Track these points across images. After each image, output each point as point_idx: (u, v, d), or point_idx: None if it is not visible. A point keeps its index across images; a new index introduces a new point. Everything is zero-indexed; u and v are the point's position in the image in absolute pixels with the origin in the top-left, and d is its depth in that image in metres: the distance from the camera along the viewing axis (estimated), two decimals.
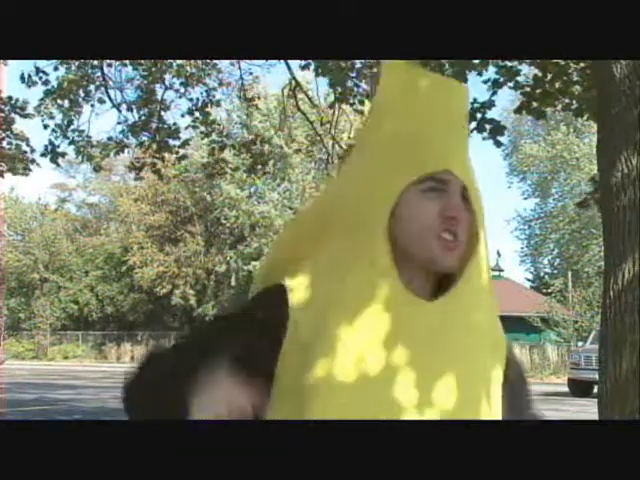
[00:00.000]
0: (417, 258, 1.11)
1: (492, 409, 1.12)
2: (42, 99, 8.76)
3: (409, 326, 1.08)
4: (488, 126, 6.37)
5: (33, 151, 9.15)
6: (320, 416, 1.03)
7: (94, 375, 22.93)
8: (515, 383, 1.19)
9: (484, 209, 1.15)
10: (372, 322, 1.07)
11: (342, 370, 1.04)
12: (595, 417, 3.64)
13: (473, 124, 6.39)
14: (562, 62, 5.83)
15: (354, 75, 7.96)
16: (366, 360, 1.05)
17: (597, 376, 3.54)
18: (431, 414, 1.06)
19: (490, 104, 6.38)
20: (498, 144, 6.53)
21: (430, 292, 1.13)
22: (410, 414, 1.05)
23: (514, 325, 28.33)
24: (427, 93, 1.15)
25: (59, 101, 8.78)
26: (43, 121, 8.91)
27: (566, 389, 17.90)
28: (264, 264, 1.27)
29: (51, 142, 8.90)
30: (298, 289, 1.11)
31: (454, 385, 1.08)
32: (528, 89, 6.27)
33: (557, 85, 6.07)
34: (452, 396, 1.07)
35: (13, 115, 8.78)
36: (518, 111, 6.58)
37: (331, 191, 1.24)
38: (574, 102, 6.34)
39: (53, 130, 8.93)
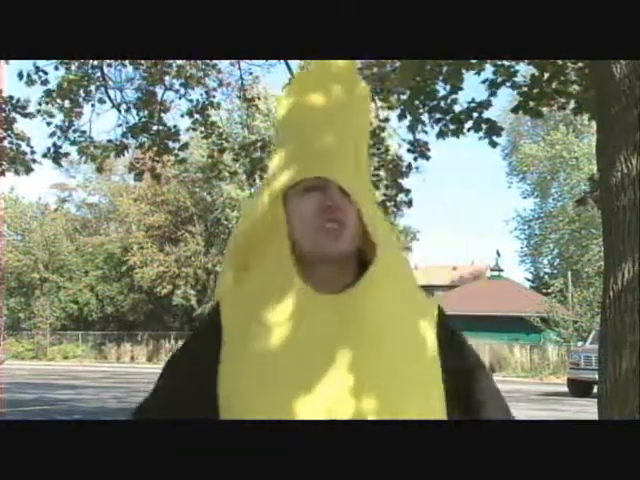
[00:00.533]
0: (309, 253, 1.17)
1: (425, 385, 1.13)
2: (43, 98, 8.73)
3: (308, 322, 1.13)
4: (484, 126, 6.36)
5: (34, 152, 9.14)
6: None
7: (94, 375, 22.93)
8: (451, 342, 1.21)
9: (374, 207, 1.22)
10: (277, 324, 1.13)
11: (247, 377, 1.11)
12: (595, 417, 3.64)
13: (469, 123, 6.38)
14: (560, 62, 5.82)
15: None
16: (267, 363, 1.11)
17: (597, 376, 3.54)
18: (338, 409, 1.07)
19: (487, 104, 6.37)
20: (493, 144, 6.52)
21: (344, 285, 1.17)
22: (315, 412, 1.07)
23: (514, 325, 28.33)
24: (319, 102, 1.20)
25: (59, 101, 8.76)
26: (44, 119, 8.89)
27: (566, 389, 17.90)
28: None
29: (54, 144, 8.89)
30: (228, 297, 1.22)
31: (358, 373, 1.09)
32: (525, 89, 6.26)
33: (554, 85, 6.06)
34: (351, 384, 1.09)
35: (14, 115, 8.76)
36: (515, 110, 6.58)
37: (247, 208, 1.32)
38: (571, 102, 6.33)
39: (52, 133, 8.92)
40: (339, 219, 1.15)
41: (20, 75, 8.43)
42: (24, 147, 9.05)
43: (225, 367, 1.14)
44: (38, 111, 8.80)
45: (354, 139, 1.22)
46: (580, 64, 5.81)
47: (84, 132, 9.08)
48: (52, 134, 8.86)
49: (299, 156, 1.19)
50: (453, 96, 6.38)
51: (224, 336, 1.17)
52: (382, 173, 8.18)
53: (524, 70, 6.93)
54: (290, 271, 1.16)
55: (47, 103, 8.70)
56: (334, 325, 1.12)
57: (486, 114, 6.43)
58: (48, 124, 8.86)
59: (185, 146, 9.33)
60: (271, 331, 1.13)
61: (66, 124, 8.90)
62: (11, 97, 8.73)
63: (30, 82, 8.45)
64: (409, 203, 8.43)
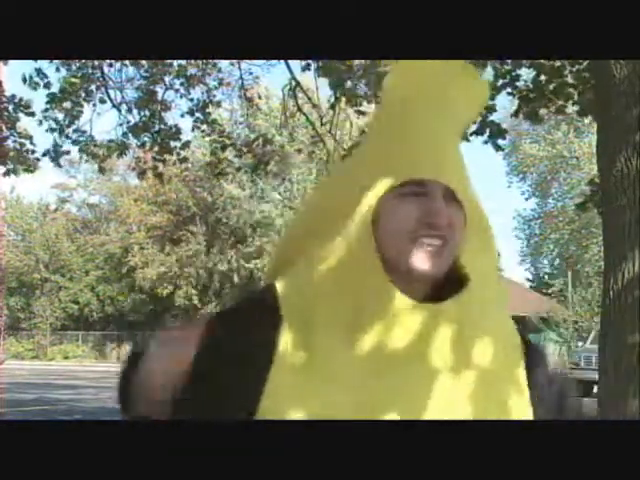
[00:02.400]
0: (397, 265, 1.00)
1: (511, 409, 1.08)
2: (47, 104, 8.72)
3: (405, 331, 0.99)
4: (488, 129, 6.37)
5: (34, 152, 9.13)
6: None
7: (94, 375, 22.93)
8: (541, 376, 1.11)
9: (483, 214, 1.06)
10: (369, 330, 0.99)
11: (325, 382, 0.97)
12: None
13: (473, 127, 6.39)
14: (557, 63, 5.83)
15: (353, 75, 7.97)
16: (358, 375, 0.98)
17: (597, 376, 3.55)
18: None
19: (491, 108, 6.37)
20: (498, 148, 6.53)
21: (424, 294, 1.03)
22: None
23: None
24: (432, 94, 1.10)
25: (62, 105, 8.76)
26: (48, 124, 8.89)
27: None
28: (268, 267, 1.19)
29: (55, 143, 8.90)
30: (291, 290, 1.04)
31: (461, 389, 1.03)
32: (525, 92, 6.27)
33: (552, 87, 6.07)
34: (460, 396, 1.03)
35: (17, 114, 8.76)
36: (515, 114, 6.60)
37: (324, 191, 1.17)
38: (569, 104, 6.34)
39: (52, 129, 8.92)
40: (441, 235, 0.99)
41: (24, 79, 8.44)
42: (28, 145, 9.06)
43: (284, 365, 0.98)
44: (45, 117, 8.81)
45: (460, 135, 1.11)
46: (577, 66, 5.81)
47: (84, 132, 9.09)
48: (51, 129, 8.85)
49: (405, 152, 1.02)
50: None
51: (284, 330, 0.99)
52: None
53: (525, 74, 6.92)
54: (380, 275, 0.99)
55: (52, 109, 8.72)
56: (432, 337, 1.00)
57: (489, 118, 6.43)
58: (53, 130, 8.86)
59: (187, 144, 9.35)
60: (358, 338, 0.98)
61: (66, 123, 8.91)
62: (14, 96, 8.73)
63: (33, 85, 8.45)
64: None
